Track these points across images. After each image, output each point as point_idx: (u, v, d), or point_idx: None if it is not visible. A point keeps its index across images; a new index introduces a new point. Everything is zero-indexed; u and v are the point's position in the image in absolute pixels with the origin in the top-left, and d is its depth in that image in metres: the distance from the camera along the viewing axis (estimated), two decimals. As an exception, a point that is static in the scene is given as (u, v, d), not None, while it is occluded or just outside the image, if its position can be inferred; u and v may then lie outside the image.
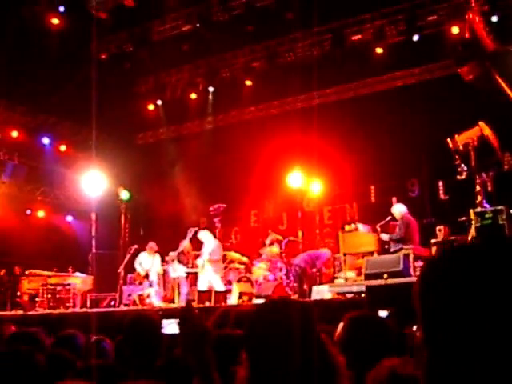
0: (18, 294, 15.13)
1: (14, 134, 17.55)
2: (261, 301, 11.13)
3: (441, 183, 14.89)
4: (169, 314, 2.31)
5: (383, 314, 4.16)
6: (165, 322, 2.28)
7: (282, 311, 2.01)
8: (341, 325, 2.84)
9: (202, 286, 12.73)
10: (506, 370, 0.93)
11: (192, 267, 14.02)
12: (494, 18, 12.85)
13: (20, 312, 12.83)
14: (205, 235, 13.13)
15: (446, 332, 0.99)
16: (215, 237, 13.49)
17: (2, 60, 14.71)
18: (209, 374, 2.04)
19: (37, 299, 14.40)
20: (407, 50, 14.83)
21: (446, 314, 0.99)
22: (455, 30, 13.23)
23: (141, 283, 13.59)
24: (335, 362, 1.99)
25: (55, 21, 15.33)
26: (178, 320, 2.18)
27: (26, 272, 15.27)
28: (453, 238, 10.85)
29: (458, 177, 10.82)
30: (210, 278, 12.73)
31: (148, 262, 13.67)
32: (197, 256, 14.30)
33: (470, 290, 0.98)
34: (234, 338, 2.94)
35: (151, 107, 18.57)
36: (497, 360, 0.93)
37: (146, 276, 13.56)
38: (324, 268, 13.32)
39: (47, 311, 12.96)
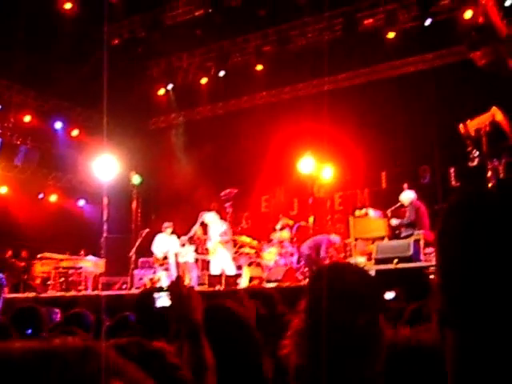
0: (26, 277, 15.22)
1: (27, 118, 17.64)
2: (271, 285, 11.19)
3: (452, 170, 14.84)
4: (161, 289, 2.42)
5: (390, 295, 4.19)
6: (156, 295, 2.38)
7: (352, 273, 2.04)
8: None
9: (214, 270, 12.73)
10: None
11: (202, 253, 14.07)
12: (508, 3, 12.73)
13: (32, 294, 12.96)
14: (211, 217, 13.12)
15: (462, 280, 1.00)
16: (224, 219, 13.48)
17: (15, 45, 14.76)
18: (198, 343, 2.13)
19: (49, 282, 14.54)
20: (419, 35, 14.75)
21: (464, 261, 1.01)
22: (468, 14, 13.11)
23: (161, 265, 13.63)
24: (383, 337, 2.01)
25: (68, 5, 15.36)
26: (168, 293, 2.30)
27: (39, 255, 15.39)
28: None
29: (470, 163, 10.78)
30: (222, 262, 12.69)
31: (166, 243, 13.73)
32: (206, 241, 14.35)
33: (493, 236, 0.98)
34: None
35: (162, 92, 18.58)
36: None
37: (165, 258, 13.61)
38: (334, 252, 13.34)
39: (59, 293, 13.08)
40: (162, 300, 2.41)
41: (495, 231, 0.98)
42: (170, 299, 2.28)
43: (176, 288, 2.28)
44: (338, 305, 1.91)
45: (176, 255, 13.77)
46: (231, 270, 12.56)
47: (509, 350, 0.95)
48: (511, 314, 0.95)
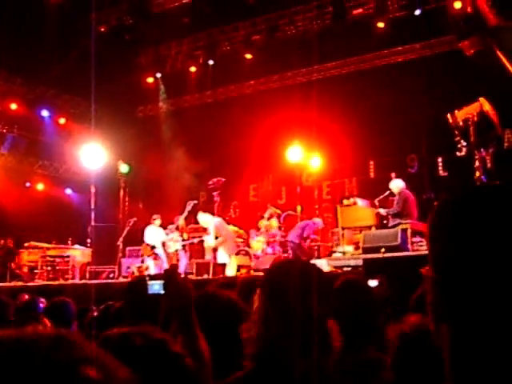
0: (13, 265, 15.06)
1: (13, 106, 17.51)
2: (259, 274, 11.20)
3: (440, 159, 14.88)
4: (155, 276, 2.43)
5: (373, 283, 4.22)
6: (149, 283, 2.36)
7: (299, 268, 2.10)
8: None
9: (220, 259, 12.75)
10: None
11: (188, 239, 14.10)
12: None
13: (19, 283, 12.89)
14: (203, 218, 13.12)
15: (456, 275, 1.00)
16: (214, 213, 13.44)
17: (2, 32, 14.61)
18: (192, 333, 2.11)
19: (36, 271, 14.47)
20: (409, 24, 14.73)
21: (458, 257, 1.00)
22: (457, 4, 13.08)
23: (150, 255, 13.65)
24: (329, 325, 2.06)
25: (54, -8, 15.22)
26: (162, 281, 2.26)
27: (26, 244, 15.30)
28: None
29: (458, 153, 10.81)
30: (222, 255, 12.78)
31: (156, 234, 13.77)
32: (192, 230, 14.36)
33: (487, 232, 0.98)
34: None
35: (151, 80, 18.51)
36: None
37: (152, 248, 13.64)
38: (316, 236, 13.43)
39: (46, 282, 13.03)
40: (156, 288, 2.38)
41: (489, 227, 0.98)
42: (164, 288, 2.25)
43: (171, 278, 2.25)
44: (291, 297, 1.96)
45: (164, 245, 13.79)
46: (222, 259, 12.62)
47: (502, 344, 0.95)
48: (505, 308, 0.95)
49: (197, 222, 13.97)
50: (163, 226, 14.17)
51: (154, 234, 13.83)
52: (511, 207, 0.98)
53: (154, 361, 1.57)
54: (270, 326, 1.99)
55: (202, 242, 13.43)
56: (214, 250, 13.21)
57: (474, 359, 0.99)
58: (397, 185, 11.89)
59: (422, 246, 10.80)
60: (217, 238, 12.73)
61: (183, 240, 14.03)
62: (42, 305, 5.00)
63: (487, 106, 10.38)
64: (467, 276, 0.98)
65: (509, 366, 0.95)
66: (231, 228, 14.36)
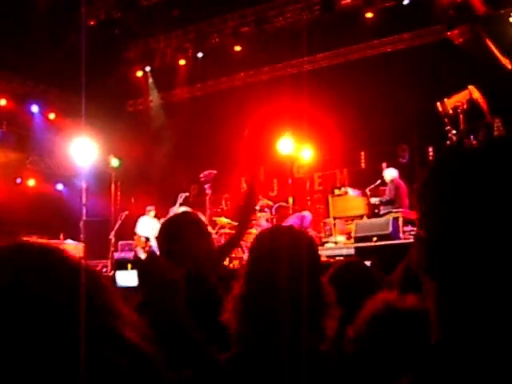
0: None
1: (2, 101, 17.41)
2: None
3: (431, 149, 14.90)
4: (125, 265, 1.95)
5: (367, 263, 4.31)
6: (118, 273, 2.01)
7: (288, 236, 2.01)
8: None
9: None
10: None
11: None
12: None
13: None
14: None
15: (442, 231, 1.01)
16: (206, 206, 13.41)
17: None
18: (183, 327, 1.85)
19: (28, 266, 14.40)
20: (398, 14, 14.74)
21: (443, 213, 1.01)
22: (446, -7, 13.13)
23: (144, 248, 13.62)
24: (326, 291, 2.00)
25: (42, -14, 15.13)
26: (137, 272, 1.97)
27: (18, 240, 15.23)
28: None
29: (448, 142, 10.85)
30: None
31: (149, 225, 13.72)
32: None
33: (472, 189, 0.99)
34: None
35: (140, 74, 18.45)
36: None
37: (147, 241, 13.61)
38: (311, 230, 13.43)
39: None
40: (127, 279, 2.05)
41: (478, 186, 0.99)
42: (141, 282, 1.90)
43: (149, 268, 1.92)
44: (275, 268, 1.86)
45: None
46: None
47: (486, 296, 0.96)
48: (489, 262, 0.96)
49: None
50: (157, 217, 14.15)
51: (148, 225, 13.77)
52: (501, 167, 0.99)
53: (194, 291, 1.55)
54: (253, 302, 1.91)
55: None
56: None
57: (458, 314, 1.00)
58: (390, 173, 11.98)
59: (413, 234, 10.85)
60: None
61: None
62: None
63: (476, 94, 10.43)
64: (455, 233, 0.99)
65: (493, 320, 0.96)
66: (224, 220, 14.34)
